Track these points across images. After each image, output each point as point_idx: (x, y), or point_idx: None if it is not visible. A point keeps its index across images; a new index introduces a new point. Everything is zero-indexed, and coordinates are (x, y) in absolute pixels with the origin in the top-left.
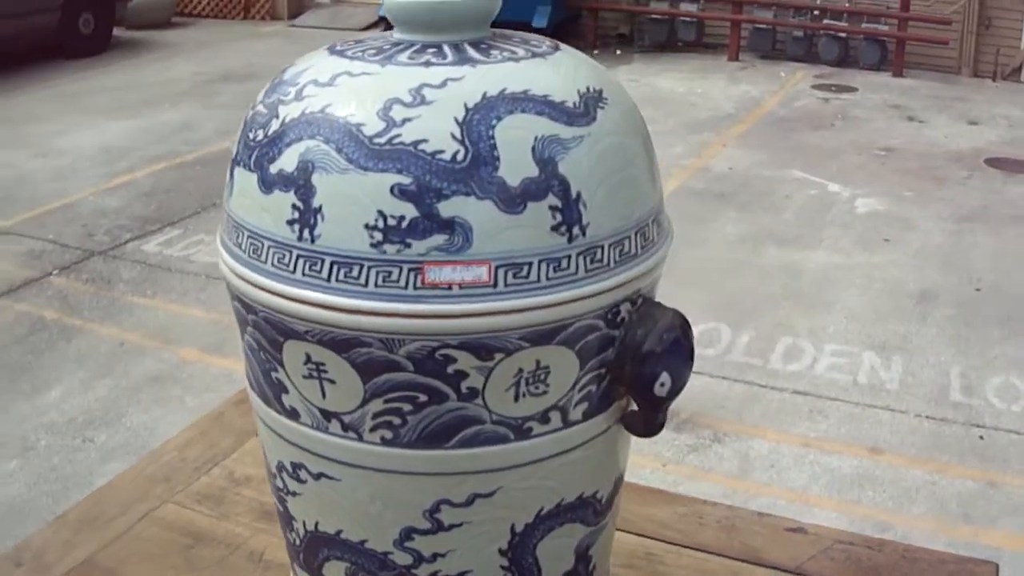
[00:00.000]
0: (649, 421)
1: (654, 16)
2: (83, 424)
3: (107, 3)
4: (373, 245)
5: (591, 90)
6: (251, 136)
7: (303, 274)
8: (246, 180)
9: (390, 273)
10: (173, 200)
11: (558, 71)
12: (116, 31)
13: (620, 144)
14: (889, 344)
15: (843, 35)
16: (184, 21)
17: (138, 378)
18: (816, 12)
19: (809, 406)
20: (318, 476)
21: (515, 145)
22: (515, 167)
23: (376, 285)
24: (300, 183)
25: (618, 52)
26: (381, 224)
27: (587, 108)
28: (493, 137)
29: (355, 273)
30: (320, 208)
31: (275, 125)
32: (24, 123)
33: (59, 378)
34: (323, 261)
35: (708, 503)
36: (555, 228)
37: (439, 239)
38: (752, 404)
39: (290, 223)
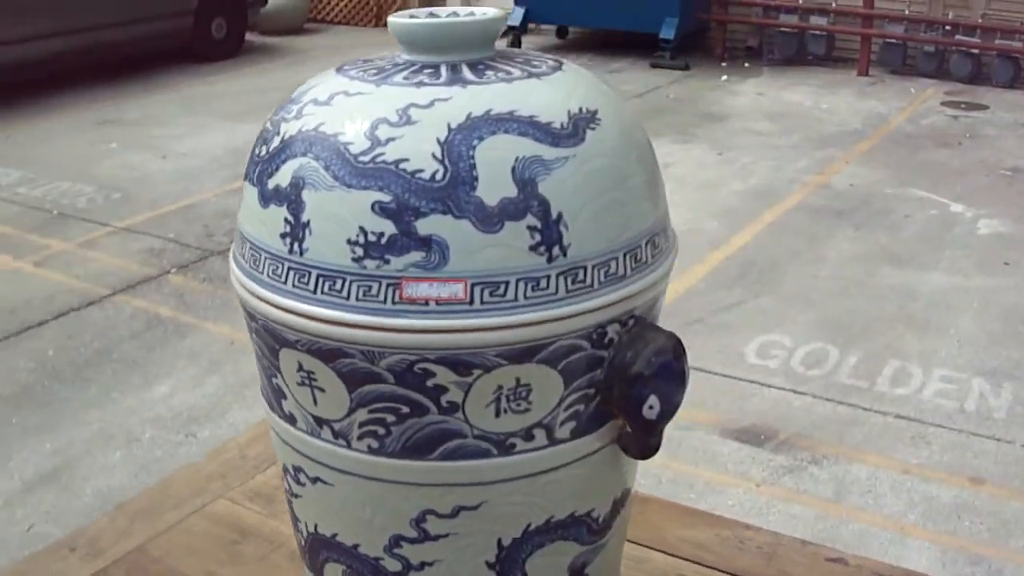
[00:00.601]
0: (643, 443)
1: (783, 29)
2: (188, 419)
3: (240, 8)
4: (355, 260)
5: (584, 111)
6: (256, 152)
7: (293, 285)
8: (250, 194)
9: (370, 287)
10: None
11: (551, 92)
12: (249, 36)
13: (610, 165)
14: (1000, 371)
15: (975, 51)
16: (316, 27)
17: (245, 376)
18: (948, 27)
19: (912, 432)
20: (315, 480)
21: (495, 165)
22: (493, 187)
23: (357, 299)
24: (292, 198)
25: (746, 65)
26: (362, 240)
27: (576, 129)
28: (473, 157)
29: (338, 286)
30: (308, 223)
31: (275, 142)
32: (152, 125)
33: (169, 373)
34: (310, 274)
35: (752, 528)
36: (533, 248)
37: (416, 256)
38: (854, 427)
39: (282, 236)
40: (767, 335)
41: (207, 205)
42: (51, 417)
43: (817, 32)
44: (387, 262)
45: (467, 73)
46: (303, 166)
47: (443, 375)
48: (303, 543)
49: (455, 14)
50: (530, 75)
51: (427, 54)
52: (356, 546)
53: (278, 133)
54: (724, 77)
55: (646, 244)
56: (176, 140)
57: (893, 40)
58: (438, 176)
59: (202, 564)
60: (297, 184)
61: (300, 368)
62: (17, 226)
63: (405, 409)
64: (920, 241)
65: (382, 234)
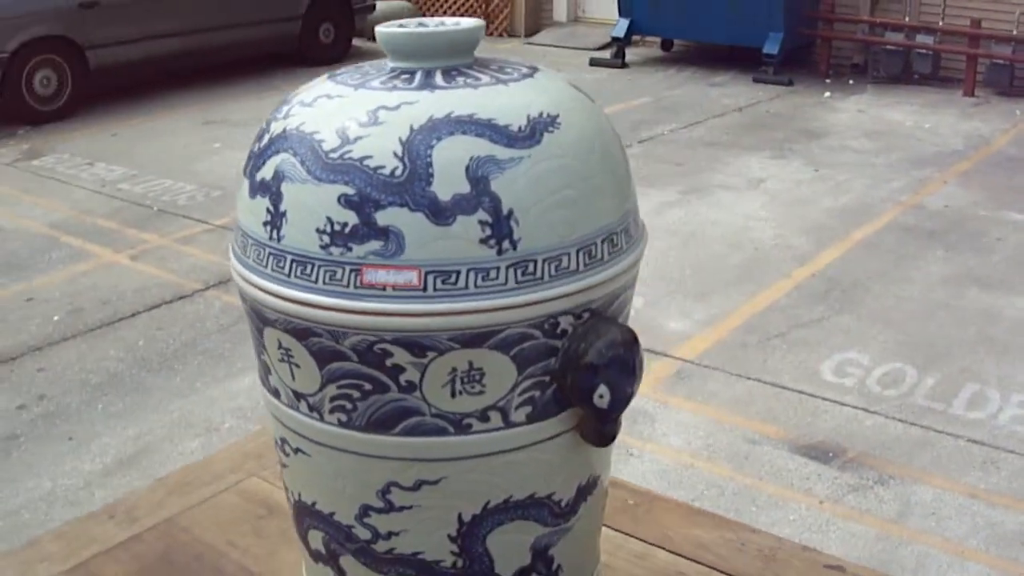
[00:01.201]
0: (598, 431)
1: (889, 47)
2: (267, 412)
3: (348, 13)
4: (322, 247)
5: (544, 115)
6: (252, 148)
7: (272, 269)
8: (243, 186)
9: (335, 272)
10: None
11: (514, 97)
12: (356, 41)
13: (564, 166)
14: None
15: None
16: None
17: None
18: None
19: (984, 456)
20: (296, 451)
21: (450, 163)
22: (447, 183)
23: (324, 283)
24: (273, 190)
25: (850, 82)
26: (329, 229)
27: (533, 131)
28: (430, 156)
29: (308, 271)
30: (285, 212)
31: (265, 139)
32: (256, 126)
33: (254, 367)
34: (286, 259)
35: (756, 531)
36: (484, 241)
37: (375, 244)
38: (924, 449)
39: (264, 224)
40: (845, 353)
41: None
42: (135, 404)
43: (923, 51)
44: (350, 249)
45: (438, 79)
46: (283, 161)
47: (400, 355)
48: (291, 511)
49: (441, 24)
50: (498, 81)
51: (408, 61)
52: (332, 514)
53: (268, 131)
54: (827, 94)
55: (602, 242)
56: None
57: (1000, 61)
58: (397, 172)
59: (226, 535)
60: (278, 177)
61: (280, 346)
62: (118, 221)
63: (368, 386)
64: (1010, 264)
65: (346, 224)
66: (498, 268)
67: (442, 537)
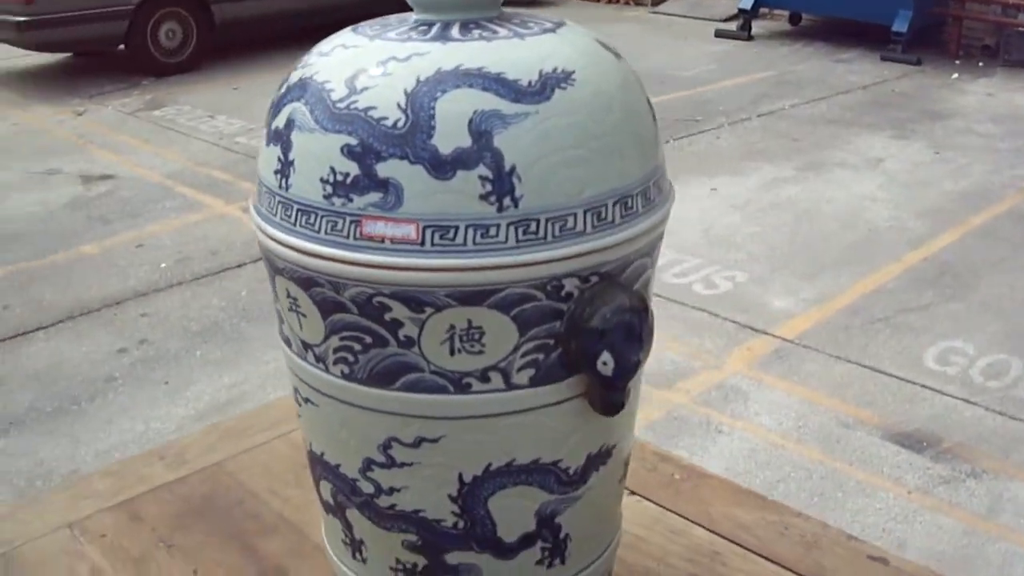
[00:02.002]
0: (604, 399)
1: (1022, 29)
2: None
3: None
4: (325, 197)
5: (558, 70)
6: (273, 96)
7: (280, 218)
8: (263, 135)
9: (336, 223)
10: None
11: (528, 51)
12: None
13: (574, 123)
14: None
15: None
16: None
17: None
18: None
19: None
20: (306, 400)
21: (453, 116)
22: (449, 136)
23: (326, 233)
24: (284, 138)
25: (980, 64)
26: (332, 179)
27: (544, 87)
28: (433, 108)
29: (311, 220)
30: (293, 161)
31: (283, 88)
32: None
33: None
34: (292, 207)
35: (801, 515)
36: (484, 197)
37: (375, 196)
38: (1022, 444)
39: (275, 173)
40: (950, 341)
41: None
42: (233, 353)
43: None
44: (351, 200)
45: (454, 31)
46: (295, 110)
47: (398, 310)
48: (307, 461)
49: None
50: (515, 35)
51: (430, 12)
52: (338, 466)
53: (287, 80)
54: (955, 75)
55: (614, 204)
56: None
57: None
58: (400, 124)
59: (268, 483)
60: (289, 126)
61: (288, 294)
62: (233, 173)
63: (368, 339)
64: None
65: (347, 174)
66: (498, 225)
67: (443, 496)
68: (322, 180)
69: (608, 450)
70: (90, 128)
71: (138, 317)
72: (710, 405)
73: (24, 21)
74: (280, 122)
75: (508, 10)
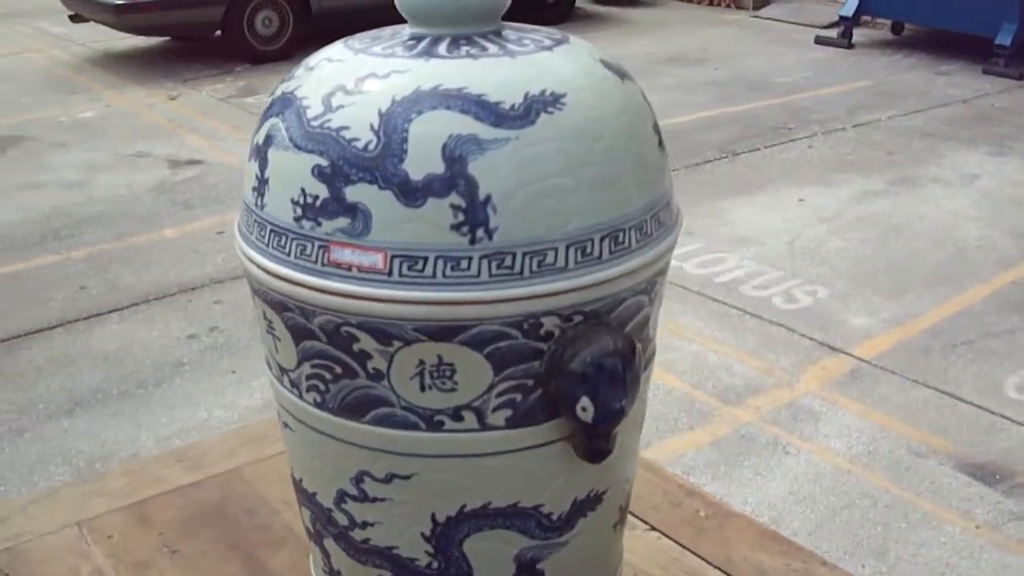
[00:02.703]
0: (587, 446)
1: None
2: None
3: None
4: (295, 219)
5: (547, 93)
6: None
7: (255, 237)
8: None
9: (305, 247)
10: None
11: (516, 71)
12: (580, 3)
13: (558, 151)
14: None
15: None
16: (651, 0)
17: None
18: None
19: None
20: (285, 425)
21: (427, 140)
22: (421, 161)
23: (296, 256)
24: (262, 156)
25: None
26: (302, 201)
27: (528, 111)
28: (407, 130)
29: (283, 243)
30: (268, 180)
31: (268, 102)
32: None
33: None
34: (266, 227)
35: (827, 564)
36: (455, 227)
37: (343, 222)
38: None
39: (253, 190)
40: None
41: None
42: None
43: None
44: (319, 224)
45: (442, 47)
46: (274, 126)
47: (366, 341)
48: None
49: None
50: (505, 53)
51: (422, 26)
52: (315, 494)
53: (274, 93)
54: None
55: (602, 239)
56: None
57: None
58: (371, 146)
59: (283, 493)
60: (267, 142)
61: (264, 316)
62: None
63: (338, 369)
64: None
65: (317, 197)
66: (470, 258)
67: (416, 535)
68: (292, 201)
69: (598, 496)
70: (182, 112)
71: (211, 304)
72: (779, 424)
73: (123, 4)
74: (260, 137)
75: (513, 24)
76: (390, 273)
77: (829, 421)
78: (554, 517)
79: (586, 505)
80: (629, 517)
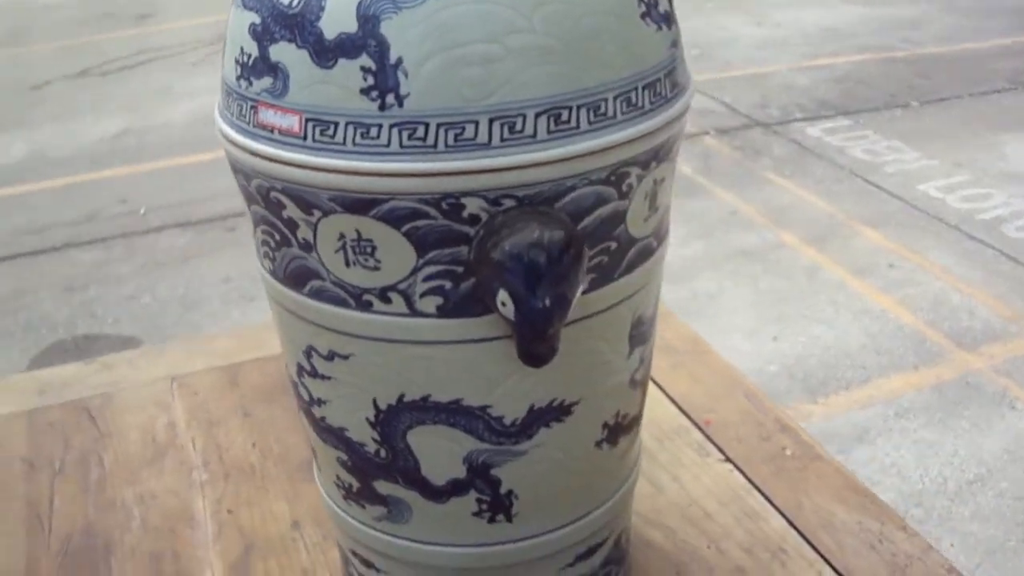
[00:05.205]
0: (519, 347)
1: None
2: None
3: None
4: (236, 79)
5: None
6: None
7: (220, 99)
8: None
9: (241, 108)
10: (860, 91)
11: None
12: None
13: (482, 12)
14: None
15: None
16: None
17: (729, 247)
18: None
19: None
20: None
21: None
22: (336, 20)
23: (236, 117)
24: (229, 18)
25: None
26: (241, 60)
27: None
28: None
29: (229, 103)
30: (225, 41)
31: None
32: None
33: None
34: (225, 88)
35: (907, 530)
36: (365, 91)
37: (267, 81)
38: None
39: (223, 56)
40: None
41: (775, 77)
42: None
43: None
44: (251, 84)
45: None
46: None
47: (291, 209)
48: None
49: None
50: None
51: None
52: (287, 365)
53: None
54: None
55: (538, 115)
56: (777, 9)
57: None
58: (295, 3)
59: None
60: (234, 3)
61: (235, 180)
62: None
63: (277, 236)
64: None
65: (250, 55)
66: (380, 126)
67: (362, 420)
68: (235, 60)
69: (563, 406)
70: None
71: None
72: (1012, 377)
73: None
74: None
75: None
76: (304, 137)
77: None
78: (506, 422)
79: (548, 414)
80: (706, 444)
